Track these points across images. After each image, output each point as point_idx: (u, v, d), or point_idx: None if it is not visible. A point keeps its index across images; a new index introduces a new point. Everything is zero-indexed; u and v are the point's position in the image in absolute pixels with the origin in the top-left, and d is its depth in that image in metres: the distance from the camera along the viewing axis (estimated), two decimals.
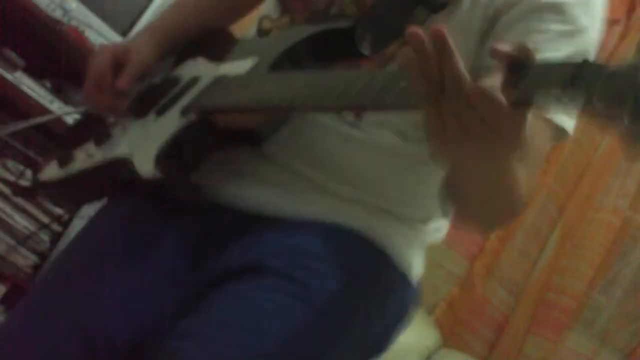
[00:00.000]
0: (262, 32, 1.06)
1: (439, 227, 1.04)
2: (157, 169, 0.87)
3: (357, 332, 0.93)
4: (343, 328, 0.91)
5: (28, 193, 1.83)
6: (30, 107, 1.98)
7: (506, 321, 2.47)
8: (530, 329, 2.43)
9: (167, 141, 0.90)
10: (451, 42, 0.62)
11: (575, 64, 0.57)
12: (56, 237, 2.15)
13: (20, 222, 2.09)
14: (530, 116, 0.65)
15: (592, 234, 2.46)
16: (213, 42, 1.10)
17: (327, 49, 0.94)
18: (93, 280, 0.94)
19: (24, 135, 2.04)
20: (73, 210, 2.00)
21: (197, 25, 1.13)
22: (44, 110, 2.00)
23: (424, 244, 1.03)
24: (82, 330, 0.90)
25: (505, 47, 0.61)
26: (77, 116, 1.47)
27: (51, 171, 1.10)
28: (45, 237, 2.13)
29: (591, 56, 0.91)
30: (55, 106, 2.03)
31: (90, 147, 1.04)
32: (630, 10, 2.57)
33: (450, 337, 2.47)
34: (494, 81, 0.61)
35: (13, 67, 1.99)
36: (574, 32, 0.89)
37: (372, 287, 0.95)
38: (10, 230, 2.08)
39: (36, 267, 2.12)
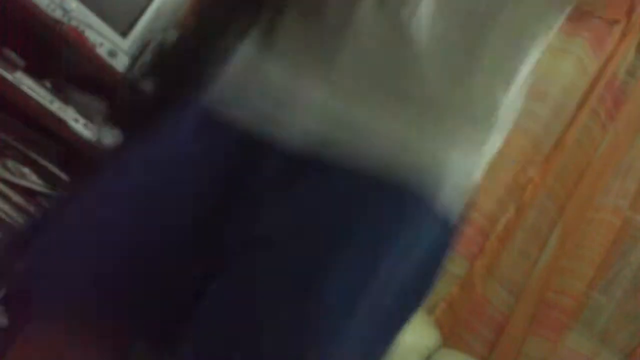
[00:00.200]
0: None
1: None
2: None
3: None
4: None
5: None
6: (30, 107, 1.98)
7: (506, 321, 2.47)
8: (530, 329, 2.43)
9: None
10: None
11: None
12: None
13: (21, 222, 2.09)
14: None
15: (592, 234, 2.46)
16: None
17: None
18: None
19: (24, 135, 2.04)
20: None
21: None
22: (44, 110, 2.00)
23: None
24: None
25: None
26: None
27: None
28: None
29: None
30: (56, 106, 2.03)
31: None
32: (630, 10, 2.58)
33: (450, 337, 2.47)
34: None
35: (13, 67, 1.98)
36: None
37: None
38: (10, 230, 2.08)
39: None
